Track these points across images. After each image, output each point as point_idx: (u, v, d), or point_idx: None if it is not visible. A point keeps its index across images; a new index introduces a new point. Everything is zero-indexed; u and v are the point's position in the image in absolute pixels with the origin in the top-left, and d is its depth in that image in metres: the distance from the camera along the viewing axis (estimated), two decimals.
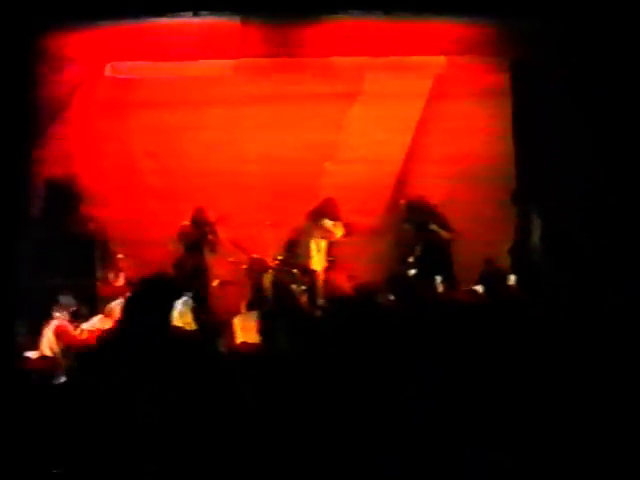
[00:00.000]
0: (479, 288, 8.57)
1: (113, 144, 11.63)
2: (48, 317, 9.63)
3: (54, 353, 9.41)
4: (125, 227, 11.28)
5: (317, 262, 11.11)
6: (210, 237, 11.11)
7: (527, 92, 10.99)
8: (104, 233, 11.15)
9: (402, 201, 11.35)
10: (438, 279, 10.36)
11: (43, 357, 9.11)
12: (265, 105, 11.56)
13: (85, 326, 9.80)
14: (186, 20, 10.96)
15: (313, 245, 11.13)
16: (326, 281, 10.98)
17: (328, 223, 11.13)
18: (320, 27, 11.08)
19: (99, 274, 10.94)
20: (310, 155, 11.58)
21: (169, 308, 4.89)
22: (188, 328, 9.25)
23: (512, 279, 9.22)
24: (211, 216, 11.11)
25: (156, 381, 4.52)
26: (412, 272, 10.59)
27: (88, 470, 4.64)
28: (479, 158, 11.23)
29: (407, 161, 11.77)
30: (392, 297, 7.28)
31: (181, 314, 9.54)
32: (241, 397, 4.51)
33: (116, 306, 9.94)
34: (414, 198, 11.27)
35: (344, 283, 10.73)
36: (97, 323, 9.83)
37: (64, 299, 9.80)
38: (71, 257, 10.56)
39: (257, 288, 10.66)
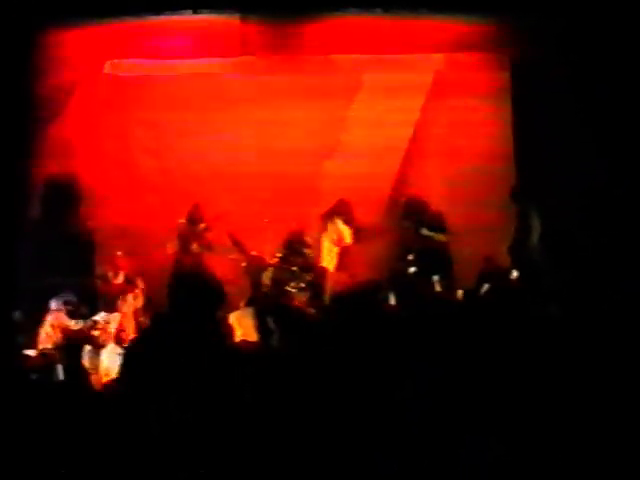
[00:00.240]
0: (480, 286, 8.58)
1: (112, 142, 11.60)
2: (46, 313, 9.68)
3: (54, 344, 9.43)
4: (125, 225, 11.25)
5: (328, 261, 11.09)
6: (206, 235, 11.12)
7: (527, 90, 10.99)
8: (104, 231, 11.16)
9: (402, 199, 11.35)
10: (435, 278, 10.36)
11: (42, 354, 9.11)
12: (264, 103, 11.53)
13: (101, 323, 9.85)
14: (186, 18, 10.97)
15: (326, 244, 11.14)
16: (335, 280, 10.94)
17: (341, 225, 11.11)
18: (319, 25, 11.09)
19: (98, 272, 10.95)
20: (309, 153, 11.55)
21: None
22: None
23: (514, 274, 9.25)
24: (208, 214, 11.11)
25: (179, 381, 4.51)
26: (412, 270, 10.59)
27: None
28: (479, 156, 11.20)
29: (407, 159, 11.75)
30: (392, 295, 7.28)
31: None
32: (241, 395, 4.50)
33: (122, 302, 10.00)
34: (411, 197, 11.27)
35: (345, 281, 10.74)
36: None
37: (64, 297, 9.82)
38: (70, 256, 10.57)
39: (256, 286, 10.65)
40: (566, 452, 4.57)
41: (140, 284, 10.64)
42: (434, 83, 11.67)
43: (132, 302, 10.25)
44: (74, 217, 11.17)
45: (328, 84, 11.51)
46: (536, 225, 10.48)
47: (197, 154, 11.58)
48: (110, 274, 10.81)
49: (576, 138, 10.34)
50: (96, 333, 9.72)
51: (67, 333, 9.53)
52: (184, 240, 11.08)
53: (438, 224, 11.00)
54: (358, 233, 11.14)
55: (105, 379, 8.66)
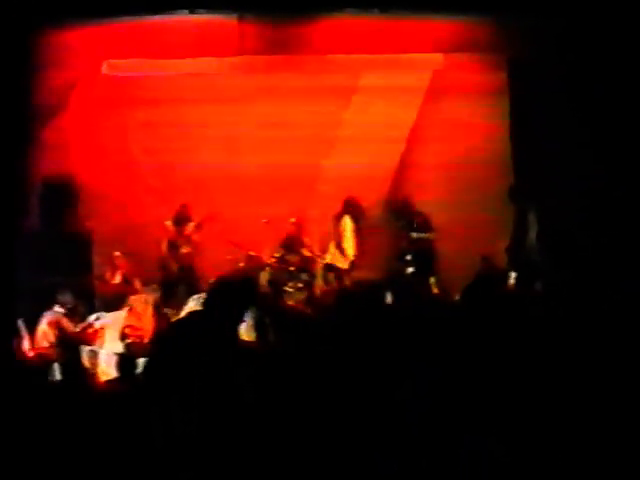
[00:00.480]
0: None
1: (110, 142, 11.60)
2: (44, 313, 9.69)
3: (50, 343, 9.43)
4: (123, 225, 11.25)
5: (338, 259, 11.10)
6: (194, 236, 11.14)
7: (524, 89, 11.01)
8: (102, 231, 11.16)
9: (399, 199, 11.37)
10: (432, 280, 10.40)
11: (39, 354, 9.12)
12: (262, 102, 11.54)
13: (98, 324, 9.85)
14: (183, 18, 10.96)
15: (336, 240, 11.15)
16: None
17: (348, 223, 11.10)
18: (317, 25, 11.10)
19: (96, 272, 10.95)
20: (307, 153, 11.57)
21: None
22: None
23: (512, 274, 9.26)
24: (198, 214, 11.13)
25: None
26: (410, 270, 10.61)
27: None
28: (476, 155, 11.21)
29: (404, 158, 11.77)
30: (390, 295, 7.26)
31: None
32: (241, 394, 4.51)
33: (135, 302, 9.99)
34: (397, 199, 11.31)
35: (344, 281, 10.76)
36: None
37: (61, 296, 9.82)
38: (69, 255, 10.57)
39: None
40: (565, 452, 4.58)
41: (137, 284, 10.64)
42: (432, 83, 11.70)
43: (144, 299, 10.25)
44: (72, 217, 11.18)
45: (326, 84, 11.53)
46: (533, 224, 10.50)
47: (195, 154, 11.58)
48: (108, 274, 10.83)
49: (573, 138, 10.35)
50: (93, 333, 9.74)
51: (64, 333, 9.54)
52: (172, 241, 11.10)
53: (425, 224, 11.05)
54: (361, 231, 11.15)
55: (103, 379, 8.66)
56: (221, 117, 11.57)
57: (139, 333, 9.78)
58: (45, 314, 9.73)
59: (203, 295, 9.54)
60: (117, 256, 10.83)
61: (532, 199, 10.63)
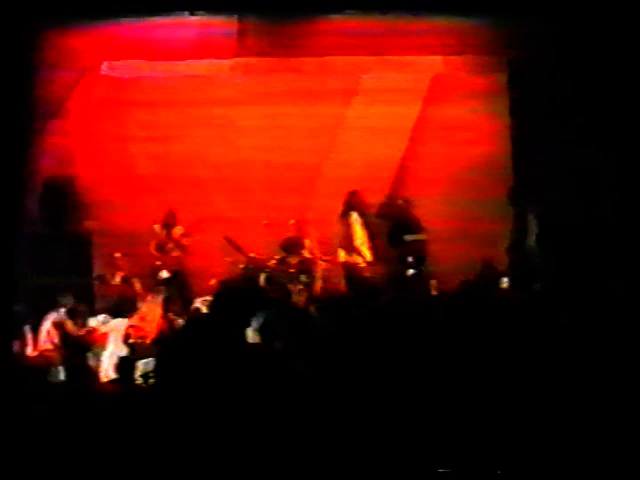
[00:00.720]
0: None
1: (110, 143, 11.60)
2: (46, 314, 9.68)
3: (54, 345, 9.42)
4: (122, 226, 11.25)
5: (353, 258, 11.08)
6: (183, 239, 11.16)
7: (524, 91, 11.01)
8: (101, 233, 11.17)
9: (400, 201, 11.38)
10: (433, 282, 10.40)
11: (41, 355, 9.12)
12: (261, 104, 11.54)
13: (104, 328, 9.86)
14: (183, 19, 10.96)
15: (346, 237, 11.12)
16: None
17: (356, 218, 11.09)
18: (317, 26, 11.09)
19: (96, 273, 10.95)
20: (307, 155, 11.58)
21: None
22: None
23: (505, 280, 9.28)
24: (184, 219, 11.14)
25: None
26: (411, 272, 10.62)
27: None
28: (476, 157, 11.23)
29: (404, 160, 11.77)
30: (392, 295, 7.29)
31: None
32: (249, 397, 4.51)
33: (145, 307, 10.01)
34: (385, 202, 11.34)
35: (341, 282, 10.75)
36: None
37: (63, 298, 9.82)
38: (69, 257, 10.58)
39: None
40: (565, 451, 4.60)
41: (137, 285, 10.65)
42: (432, 85, 11.70)
43: (152, 300, 10.26)
44: (72, 218, 11.18)
45: (326, 85, 11.53)
46: (533, 226, 10.51)
47: (194, 155, 11.58)
48: (108, 275, 10.83)
49: (573, 139, 10.36)
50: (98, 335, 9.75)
51: (69, 335, 9.54)
52: (160, 244, 11.11)
53: (416, 225, 11.05)
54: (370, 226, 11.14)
55: (105, 380, 8.67)
56: (221, 118, 11.56)
57: (141, 334, 9.79)
58: (48, 315, 9.74)
59: (208, 297, 9.67)
60: (117, 257, 10.85)
61: (532, 201, 10.64)
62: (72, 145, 11.35)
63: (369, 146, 11.56)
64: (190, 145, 11.55)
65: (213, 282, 10.83)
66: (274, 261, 10.96)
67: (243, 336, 4.77)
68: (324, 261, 11.02)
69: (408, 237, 11.00)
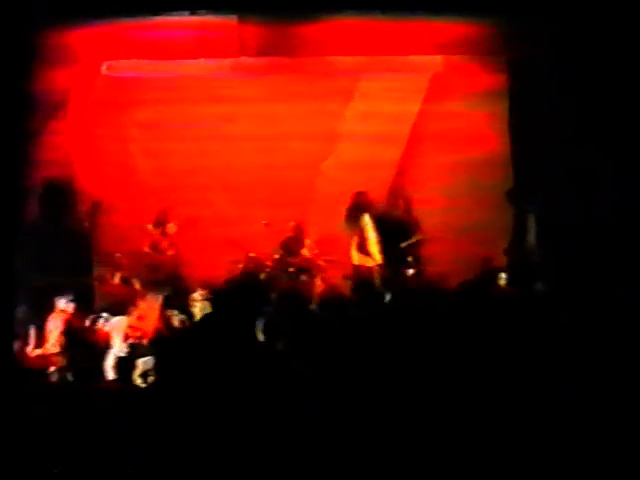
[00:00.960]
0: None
1: (110, 143, 11.60)
2: (49, 313, 9.68)
3: (60, 345, 9.41)
4: (122, 226, 11.25)
5: (365, 260, 11.06)
6: (176, 240, 11.17)
7: (524, 91, 11.02)
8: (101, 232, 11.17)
9: (399, 201, 11.38)
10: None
11: (46, 356, 9.12)
12: (262, 104, 11.54)
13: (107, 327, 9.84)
14: (183, 19, 10.96)
15: (355, 239, 11.10)
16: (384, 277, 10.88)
17: (369, 222, 11.07)
18: (317, 26, 11.09)
19: (96, 273, 10.95)
20: (307, 154, 11.57)
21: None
22: None
23: (509, 275, 9.28)
24: (176, 218, 11.15)
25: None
26: (411, 272, 10.63)
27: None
28: (476, 157, 11.22)
29: (404, 160, 11.77)
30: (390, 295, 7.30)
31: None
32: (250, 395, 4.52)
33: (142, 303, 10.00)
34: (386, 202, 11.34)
35: (340, 282, 10.74)
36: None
37: (67, 297, 9.81)
38: (68, 256, 10.57)
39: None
40: (564, 450, 4.60)
41: (137, 285, 10.64)
42: (431, 85, 11.69)
43: (151, 300, 10.26)
44: (72, 218, 11.18)
45: (326, 85, 11.54)
46: (533, 226, 10.52)
47: (194, 154, 11.58)
48: (108, 275, 10.83)
49: (573, 139, 10.37)
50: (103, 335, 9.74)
51: (77, 335, 9.52)
52: (154, 244, 11.13)
53: (415, 225, 11.06)
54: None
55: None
56: (221, 118, 11.56)
57: (139, 334, 9.80)
58: (52, 315, 9.72)
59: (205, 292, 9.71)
60: (117, 257, 10.85)
61: (531, 201, 10.65)
62: (72, 145, 11.35)
63: (369, 146, 11.56)
64: (190, 145, 11.55)
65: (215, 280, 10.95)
66: (274, 261, 10.97)
67: (248, 336, 4.78)
68: (324, 261, 11.03)
69: (403, 244, 10.99)
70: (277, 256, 11.00)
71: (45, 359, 9.06)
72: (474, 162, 11.22)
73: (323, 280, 11.00)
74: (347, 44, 11.09)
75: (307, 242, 11.18)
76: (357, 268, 10.90)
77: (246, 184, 11.45)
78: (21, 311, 9.59)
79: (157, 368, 5.08)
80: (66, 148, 11.26)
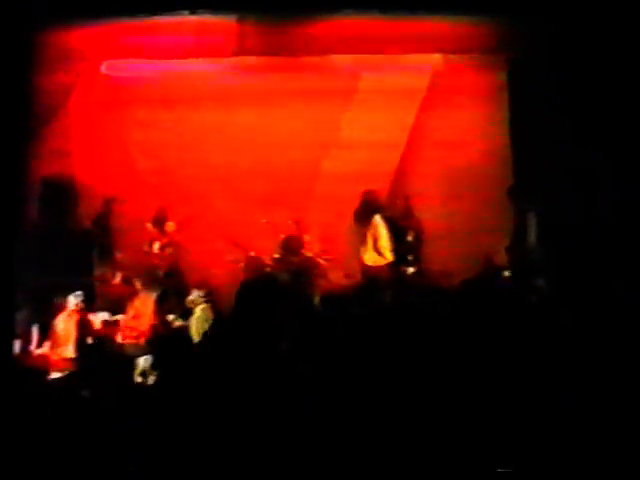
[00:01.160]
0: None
1: (110, 142, 11.61)
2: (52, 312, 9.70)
3: (74, 343, 9.41)
4: (122, 225, 11.26)
5: (376, 259, 11.05)
6: (176, 238, 11.17)
7: (524, 90, 11.00)
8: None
9: (400, 199, 11.39)
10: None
11: (48, 356, 9.11)
12: (262, 103, 11.55)
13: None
14: (183, 18, 10.96)
15: (370, 238, 11.08)
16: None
17: (381, 222, 11.05)
18: (317, 25, 11.08)
19: (97, 272, 10.96)
20: (307, 153, 11.59)
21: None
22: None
23: (511, 273, 9.28)
24: (175, 216, 11.15)
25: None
26: (411, 270, 10.64)
27: None
28: (476, 156, 11.23)
29: (404, 159, 11.78)
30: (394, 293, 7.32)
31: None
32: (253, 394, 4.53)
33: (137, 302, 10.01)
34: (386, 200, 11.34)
35: (341, 281, 10.75)
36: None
37: (73, 298, 9.81)
38: (69, 256, 10.57)
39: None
40: (565, 448, 4.61)
41: (138, 284, 10.65)
42: (431, 84, 11.69)
43: (144, 299, 10.28)
44: (72, 217, 11.19)
45: (325, 84, 11.54)
46: (534, 224, 10.52)
47: (194, 154, 11.59)
48: (108, 274, 10.83)
49: (573, 138, 10.36)
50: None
51: (91, 333, 9.53)
52: (154, 242, 11.15)
53: (416, 223, 11.07)
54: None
55: None
56: (220, 118, 11.58)
57: (134, 334, 9.82)
58: (62, 315, 9.72)
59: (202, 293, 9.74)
60: (118, 256, 10.86)
61: (532, 199, 10.65)
62: (72, 144, 11.36)
63: (369, 145, 11.56)
64: (190, 144, 11.56)
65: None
66: (274, 260, 10.97)
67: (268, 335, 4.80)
68: (324, 260, 11.03)
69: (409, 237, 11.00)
70: (277, 255, 11.00)
71: (50, 360, 9.06)
72: (474, 160, 11.22)
73: (324, 279, 11.01)
74: (346, 43, 11.07)
75: (306, 238, 11.15)
76: (368, 267, 10.89)
77: (245, 183, 11.45)
78: (21, 310, 9.60)
79: (163, 367, 5.08)
80: (66, 147, 11.27)
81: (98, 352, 8.43)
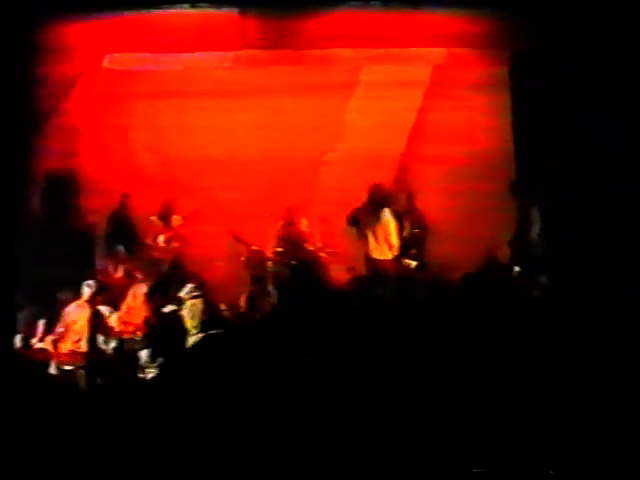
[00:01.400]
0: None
1: (112, 136, 11.60)
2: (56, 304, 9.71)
3: (87, 339, 9.42)
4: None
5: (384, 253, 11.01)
6: (182, 232, 11.18)
7: (526, 84, 11.00)
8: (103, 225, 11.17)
9: (402, 194, 11.37)
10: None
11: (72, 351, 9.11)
12: (264, 97, 11.53)
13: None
14: (185, 11, 10.96)
15: (380, 232, 11.04)
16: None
17: (389, 216, 11.02)
18: (319, 19, 11.10)
19: (99, 266, 10.96)
20: (309, 147, 11.56)
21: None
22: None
23: (515, 269, 9.27)
24: (181, 210, 11.15)
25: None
26: (414, 264, 10.64)
27: None
28: (478, 150, 11.22)
29: (406, 153, 11.75)
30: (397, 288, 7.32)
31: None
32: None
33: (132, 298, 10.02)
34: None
35: (343, 274, 10.73)
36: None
37: (87, 288, 9.79)
38: (71, 250, 10.58)
39: (256, 280, 10.66)
40: (568, 439, 4.62)
41: (140, 278, 10.65)
42: (433, 77, 11.67)
43: (135, 292, 10.30)
44: (74, 211, 11.19)
45: (327, 78, 11.52)
46: (536, 218, 10.52)
47: (196, 147, 11.58)
48: (110, 268, 10.83)
49: (575, 132, 10.37)
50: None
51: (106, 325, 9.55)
52: (159, 236, 11.14)
53: (419, 218, 11.06)
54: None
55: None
56: (223, 111, 11.56)
57: (131, 328, 9.84)
58: (73, 304, 9.70)
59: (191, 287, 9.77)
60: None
61: (534, 193, 10.64)
62: (74, 138, 11.35)
63: (371, 139, 11.55)
64: (192, 137, 11.55)
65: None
66: (276, 254, 10.97)
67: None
68: (326, 253, 11.02)
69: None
70: (280, 249, 10.99)
71: (56, 353, 9.05)
72: (476, 155, 11.21)
73: (326, 273, 11.00)
74: (349, 36, 11.09)
75: (303, 223, 11.12)
76: (374, 261, 10.88)
77: (248, 177, 11.43)
78: (23, 304, 9.61)
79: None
80: (68, 141, 11.26)
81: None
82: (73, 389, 5.92)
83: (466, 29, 10.95)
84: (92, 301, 9.70)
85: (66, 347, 9.35)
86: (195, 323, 9.87)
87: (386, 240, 10.91)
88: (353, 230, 10.96)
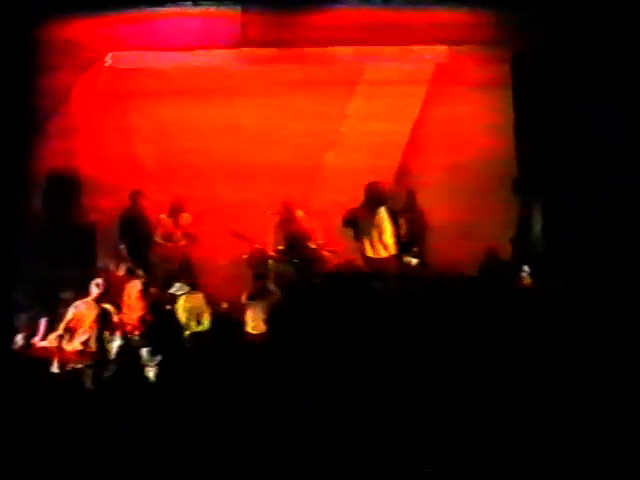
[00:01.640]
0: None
1: (114, 134, 11.60)
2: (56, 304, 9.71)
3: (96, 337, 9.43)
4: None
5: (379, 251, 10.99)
6: (190, 231, 11.17)
7: (528, 83, 11.00)
8: (106, 223, 11.17)
9: (403, 192, 11.37)
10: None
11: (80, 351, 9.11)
12: (265, 95, 11.54)
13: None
14: (187, 9, 10.97)
15: (375, 231, 11.02)
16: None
17: (385, 216, 11.00)
18: (321, 16, 11.10)
19: (101, 264, 10.96)
20: (311, 144, 11.56)
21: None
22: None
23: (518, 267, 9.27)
24: (191, 208, 11.15)
25: None
26: (415, 261, 10.64)
27: None
28: (480, 148, 11.21)
29: (408, 150, 11.76)
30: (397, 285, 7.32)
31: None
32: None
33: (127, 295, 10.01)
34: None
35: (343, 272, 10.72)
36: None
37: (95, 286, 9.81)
38: (73, 248, 10.59)
39: (257, 278, 10.66)
40: (571, 434, 4.62)
41: (141, 275, 10.67)
42: (435, 75, 11.67)
43: (130, 288, 10.32)
44: (76, 209, 11.20)
45: (329, 75, 11.52)
46: (538, 217, 10.52)
47: (198, 145, 11.58)
48: (112, 266, 10.83)
49: (577, 130, 10.37)
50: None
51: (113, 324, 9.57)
52: (167, 234, 11.15)
53: (419, 216, 11.06)
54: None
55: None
56: (224, 109, 11.56)
57: (130, 326, 9.86)
58: (79, 302, 9.70)
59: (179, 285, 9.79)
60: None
61: (536, 192, 10.65)
62: (76, 136, 11.35)
63: (373, 136, 11.55)
64: (194, 135, 11.56)
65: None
66: (278, 252, 10.97)
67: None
68: (328, 252, 11.02)
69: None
70: (281, 247, 11.00)
71: (60, 351, 9.05)
72: (477, 153, 11.20)
73: (327, 270, 11.00)
74: (350, 34, 11.09)
75: (311, 233, 11.12)
76: (370, 259, 10.86)
77: (250, 174, 11.44)
78: (24, 303, 9.62)
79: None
80: (70, 140, 11.26)
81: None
82: (77, 388, 5.92)
83: (468, 27, 10.95)
84: (100, 300, 9.71)
85: (73, 346, 9.33)
86: (191, 319, 9.93)
87: (380, 239, 10.90)
88: (350, 231, 10.94)
